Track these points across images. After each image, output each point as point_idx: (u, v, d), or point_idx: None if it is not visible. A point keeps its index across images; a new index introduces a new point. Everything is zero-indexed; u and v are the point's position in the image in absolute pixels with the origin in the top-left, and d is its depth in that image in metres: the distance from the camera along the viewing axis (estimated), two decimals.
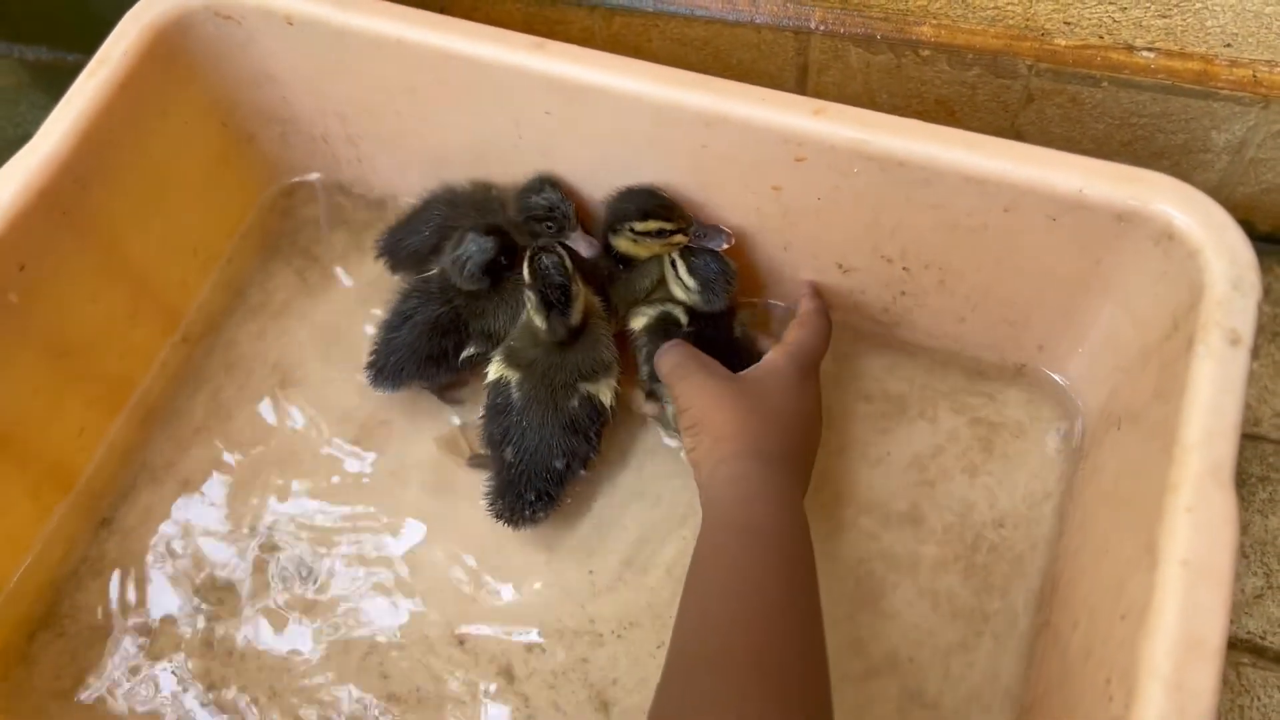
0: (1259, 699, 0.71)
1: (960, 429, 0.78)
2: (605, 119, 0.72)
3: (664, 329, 0.76)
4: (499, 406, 0.75)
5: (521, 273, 0.73)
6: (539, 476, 0.73)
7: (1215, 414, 0.55)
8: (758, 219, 0.74)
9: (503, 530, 0.76)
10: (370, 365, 0.79)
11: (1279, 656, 0.72)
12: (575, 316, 0.73)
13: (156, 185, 0.79)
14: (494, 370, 0.76)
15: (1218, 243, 0.60)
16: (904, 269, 0.74)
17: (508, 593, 0.75)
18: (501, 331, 0.78)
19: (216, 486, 0.80)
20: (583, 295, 0.73)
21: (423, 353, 0.77)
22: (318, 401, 0.83)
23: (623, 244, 0.76)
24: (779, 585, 0.58)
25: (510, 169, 0.79)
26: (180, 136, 0.80)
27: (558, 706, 0.71)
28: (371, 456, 0.80)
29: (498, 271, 0.76)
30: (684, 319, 0.76)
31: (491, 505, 0.75)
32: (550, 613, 0.74)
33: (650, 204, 0.74)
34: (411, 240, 0.81)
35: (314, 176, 0.92)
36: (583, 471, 0.75)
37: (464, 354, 0.78)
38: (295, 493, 0.79)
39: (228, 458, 0.81)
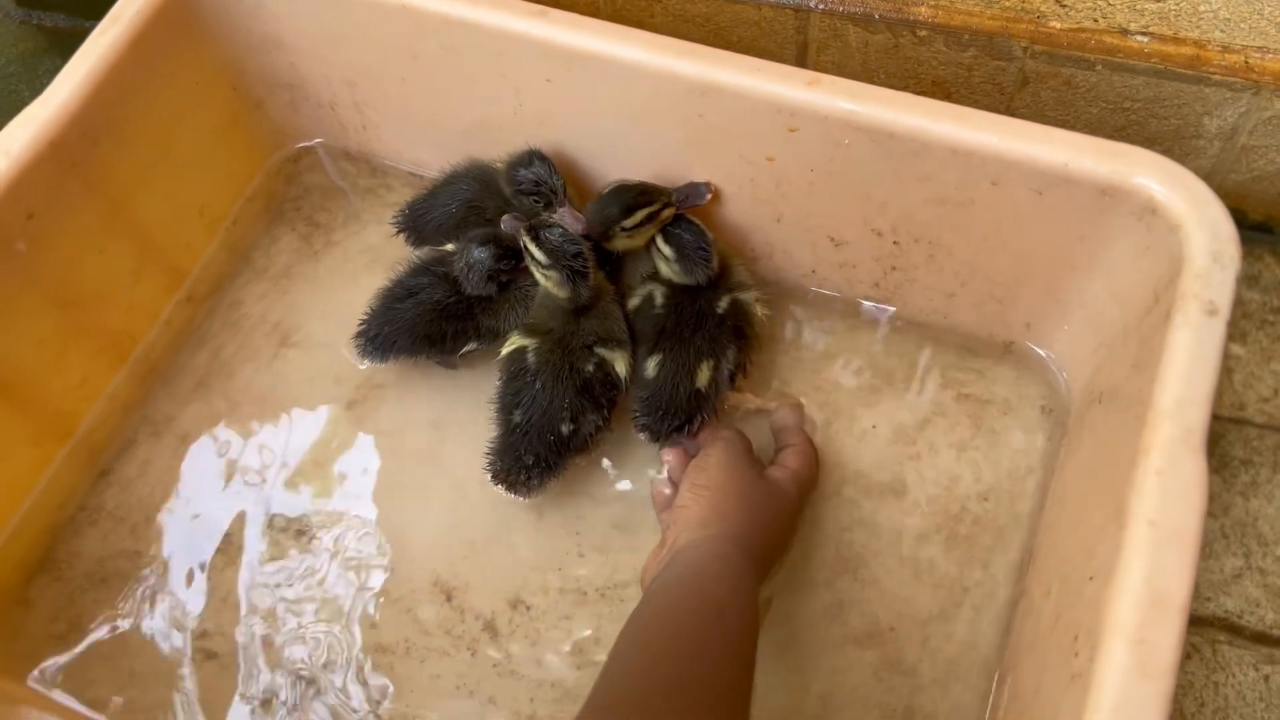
0: (1234, 676, 0.71)
1: (947, 404, 0.79)
2: (604, 87, 0.73)
3: (647, 309, 0.77)
4: (514, 373, 0.75)
5: (528, 265, 0.75)
6: (541, 441, 0.73)
7: (1189, 381, 0.56)
8: (752, 190, 0.76)
9: (493, 494, 0.77)
10: (362, 333, 0.79)
11: (1255, 635, 0.73)
12: (595, 276, 0.74)
13: (164, 145, 0.81)
14: (511, 342, 0.76)
15: (1199, 217, 0.61)
16: (894, 243, 0.75)
17: (496, 552, 0.76)
18: (507, 331, 0.78)
19: (215, 442, 0.82)
20: (593, 258, 0.75)
21: (420, 331, 0.78)
22: (317, 363, 0.84)
23: (620, 244, 0.77)
24: (732, 670, 0.58)
25: (511, 137, 0.80)
26: (189, 98, 0.81)
27: (539, 662, 0.72)
28: (366, 418, 0.82)
29: (503, 277, 0.77)
30: (660, 299, 0.77)
31: (490, 465, 0.75)
32: (536, 572, 0.75)
33: (628, 198, 0.75)
34: (436, 215, 0.82)
35: (319, 142, 0.94)
36: (590, 439, 0.76)
37: (465, 347, 0.79)
38: (291, 451, 0.81)
39: (227, 415, 0.83)
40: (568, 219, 0.77)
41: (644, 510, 0.77)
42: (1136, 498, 0.54)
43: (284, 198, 0.93)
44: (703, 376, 0.74)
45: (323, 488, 0.79)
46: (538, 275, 0.75)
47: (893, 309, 0.82)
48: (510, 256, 0.77)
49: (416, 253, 0.82)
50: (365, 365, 0.82)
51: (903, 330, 0.82)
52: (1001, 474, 0.77)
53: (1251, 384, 0.81)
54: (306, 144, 0.94)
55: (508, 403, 0.75)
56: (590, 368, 0.74)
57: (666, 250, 0.75)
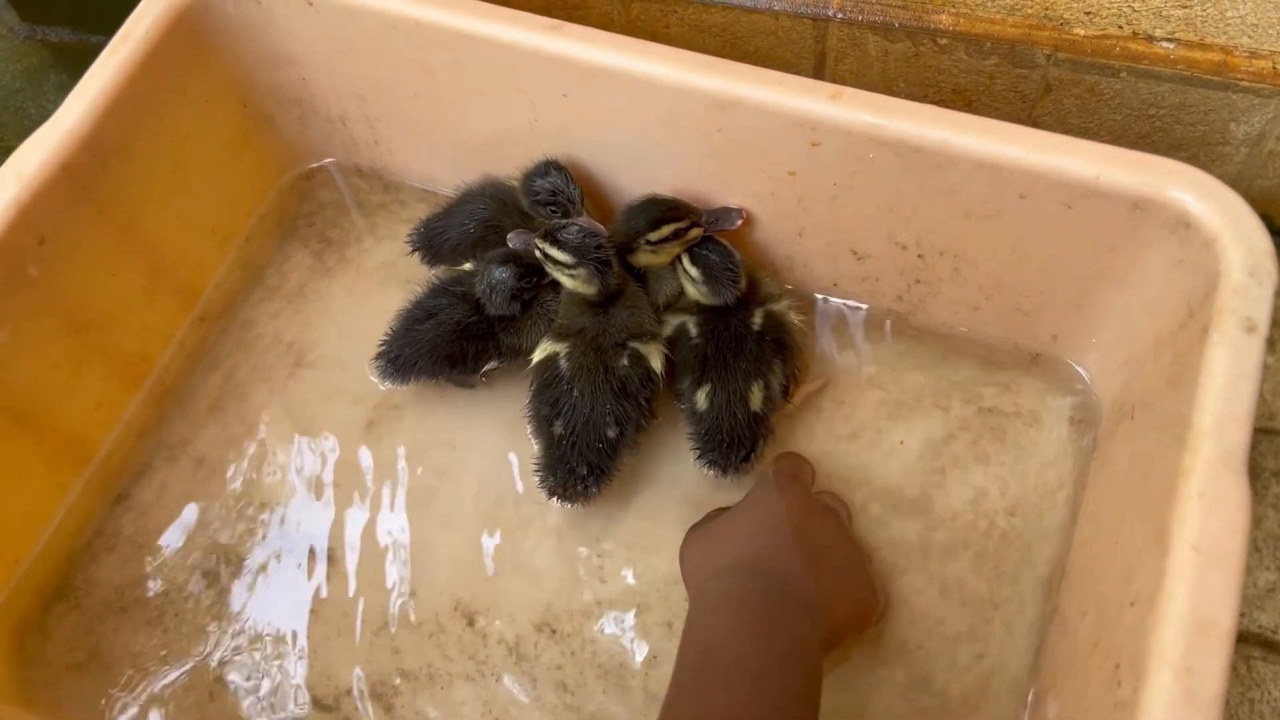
0: (1269, 693, 0.70)
1: (973, 417, 0.78)
2: (621, 102, 0.72)
3: (683, 341, 0.76)
4: (547, 381, 0.74)
5: (550, 276, 0.75)
6: (590, 449, 0.73)
7: (1229, 401, 0.55)
8: (773, 204, 0.74)
9: (511, 514, 0.76)
10: (382, 355, 0.78)
11: None
12: (616, 265, 0.74)
13: (175, 164, 0.80)
14: (541, 351, 0.75)
15: (1235, 231, 0.60)
16: (919, 256, 0.74)
17: (517, 574, 0.75)
18: (529, 348, 0.77)
19: (231, 465, 0.81)
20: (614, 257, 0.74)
21: (441, 352, 0.77)
22: (333, 384, 0.83)
23: (642, 258, 0.76)
24: (731, 701, 0.55)
25: (529, 152, 0.79)
26: (200, 116, 0.80)
27: (564, 686, 0.71)
28: (385, 439, 0.81)
29: (526, 295, 0.76)
30: (694, 329, 0.76)
31: (543, 482, 0.75)
32: (559, 595, 0.74)
33: (656, 211, 0.74)
34: (453, 235, 0.81)
35: (331, 159, 0.93)
36: (636, 438, 0.75)
37: (486, 366, 0.79)
38: (309, 473, 0.80)
39: (242, 437, 0.82)
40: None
41: (664, 527, 0.76)
42: (1178, 521, 0.53)
43: (296, 214, 0.92)
44: (756, 399, 0.73)
45: (341, 511, 0.78)
46: (563, 278, 0.74)
47: (916, 320, 0.80)
48: (532, 274, 0.76)
49: (434, 273, 0.81)
50: (386, 387, 0.81)
51: (927, 342, 0.81)
52: (1029, 488, 0.76)
53: None
54: (319, 162, 0.93)
55: (545, 414, 0.74)
56: (625, 364, 0.73)
57: (693, 271, 0.74)
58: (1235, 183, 0.81)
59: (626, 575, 0.74)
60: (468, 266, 0.79)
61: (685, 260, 0.74)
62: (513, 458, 0.79)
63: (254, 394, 0.83)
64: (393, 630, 0.74)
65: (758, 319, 0.75)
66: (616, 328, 0.74)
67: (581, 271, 0.73)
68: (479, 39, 0.72)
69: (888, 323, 0.81)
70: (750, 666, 0.56)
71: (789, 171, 0.71)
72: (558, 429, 0.73)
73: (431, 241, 0.82)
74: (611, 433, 0.73)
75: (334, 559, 0.76)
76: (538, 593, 0.74)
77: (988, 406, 0.78)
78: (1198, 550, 0.51)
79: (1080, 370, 0.77)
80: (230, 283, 0.88)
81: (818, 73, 0.85)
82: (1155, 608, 0.51)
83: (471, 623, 0.74)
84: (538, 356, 0.75)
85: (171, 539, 0.78)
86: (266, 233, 0.91)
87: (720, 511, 0.72)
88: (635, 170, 0.77)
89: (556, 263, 0.73)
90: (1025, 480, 0.76)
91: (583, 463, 0.73)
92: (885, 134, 0.66)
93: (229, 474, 0.80)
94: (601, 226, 0.76)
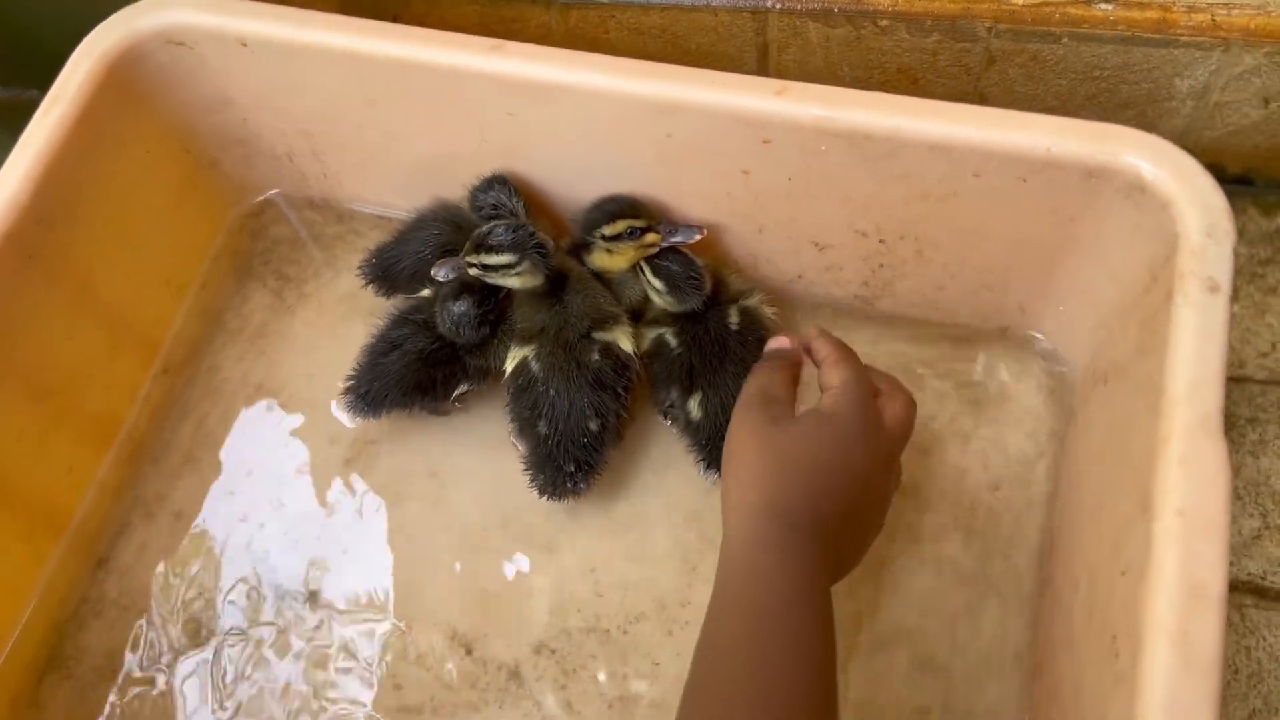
0: (1264, 639, 0.71)
1: (948, 396, 0.79)
2: (567, 116, 0.71)
3: (665, 354, 0.76)
4: (523, 385, 0.74)
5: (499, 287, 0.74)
6: (576, 444, 0.73)
7: (1199, 364, 0.56)
8: (729, 205, 0.74)
9: (500, 536, 0.76)
10: (350, 390, 0.77)
11: None
12: (551, 248, 0.74)
13: (122, 218, 0.78)
14: (511, 358, 0.75)
15: (1189, 192, 0.60)
16: (880, 242, 0.74)
17: (511, 598, 0.75)
18: (498, 366, 0.77)
19: (209, 516, 0.79)
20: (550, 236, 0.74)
21: (410, 382, 0.76)
22: (306, 424, 0.82)
23: (599, 259, 0.76)
24: (784, 676, 0.52)
25: (479, 172, 0.79)
26: (141, 167, 0.79)
27: (570, 706, 0.71)
28: (365, 475, 0.80)
29: (492, 316, 0.76)
30: (673, 340, 0.76)
31: (533, 481, 0.74)
32: (555, 615, 0.74)
33: (614, 206, 0.74)
34: (408, 262, 0.80)
35: (280, 193, 0.91)
36: (619, 428, 0.75)
37: (457, 390, 0.78)
38: (291, 516, 0.79)
39: (219, 486, 0.81)
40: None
41: (657, 537, 0.76)
42: (1161, 489, 0.53)
43: (251, 254, 0.90)
44: None
45: (327, 551, 0.77)
46: (509, 281, 0.74)
47: (883, 306, 0.80)
48: (489, 295, 0.75)
49: (392, 302, 0.80)
50: (357, 423, 0.81)
51: (896, 325, 0.81)
52: (1011, 461, 0.76)
53: (1249, 340, 0.81)
54: (266, 197, 0.91)
55: (527, 417, 0.74)
56: (596, 357, 0.73)
57: (656, 283, 0.74)
58: (1184, 136, 0.82)
59: (622, 589, 0.74)
60: (426, 293, 0.78)
61: (647, 272, 0.74)
62: (496, 481, 0.78)
63: (227, 441, 0.82)
64: (391, 665, 0.73)
65: (734, 318, 0.75)
66: (577, 318, 0.74)
67: (525, 264, 0.73)
68: (419, 66, 0.71)
69: (854, 310, 0.81)
70: (791, 647, 0.53)
71: (743, 170, 0.71)
72: (542, 429, 0.73)
73: (386, 271, 0.81)
74: (594, 425, 0.73)
75: (325, 601, 0.76)
76: (534, 614, 0.74)
77: (962, 383, 0.79)
78: (1183, 516, 0.52)
79: (1049, 341, 0.78)
80: (191, 331, 0.87)
81: (761, 65, 0.84)
82: (1145, 577, 0.52)
83: (470, 651, 0.73)
84: (510, 365, 0.75)
85: (158, 598, 0.77)
86: (222, 276, 0.89)
87: (790, 386, 0.63)
88: (588, 183, 0.76)
89: (497, 268, 0.73)
90: (1006, 453, 0.76)
91: (569, 460, 0.73)
92: (835, 125, 0.65)
93: (209, 526, 0.79)
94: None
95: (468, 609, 0.74)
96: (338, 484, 0.80)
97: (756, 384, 0.63)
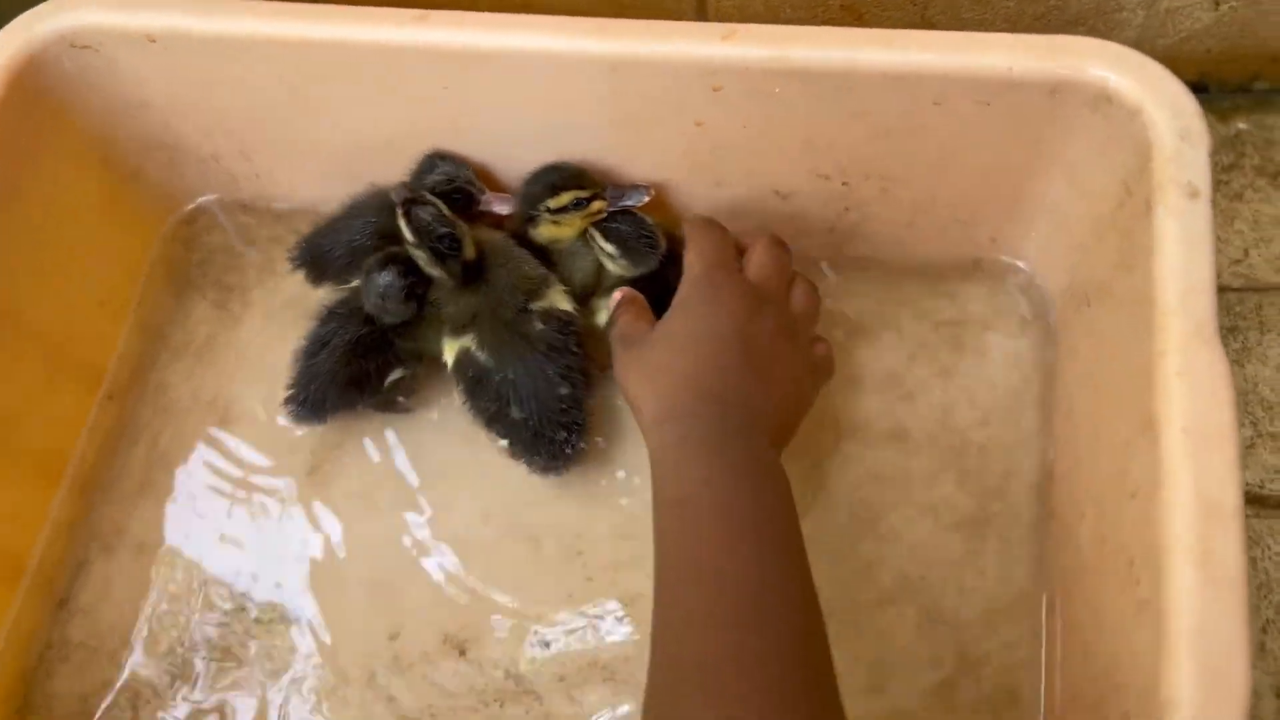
0: (1269, 548, 0.70)
1: (927, 335, 0.76)
2: (507, 84, 0.68)
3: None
4: (475, 378, 0.71)
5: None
6: (556, 414, 0.70)
7: (1188, 272, 0.54)
8: (686, 160, 0.71)
9: (483, 532, 0.73)
10: (290, 399, 0.74)
11: None
12: (469, 251, 0.71)
13: (45, 241, 0.73)
14: (449, 350, 0.72)
15: (1157, 97, 0.58)
16: (844, 184, 0.71)
17: (500, 594, 0.72)
18: (430, 348, 0.74)
19: (172, 543, 0.75)
20: (468, 233, 0.71)
21: (343, 378, 0.73)
22: (263, 435, 0.78)
23: (545, 231, 0.73)
24: (718, 555, 0.52)
25: (418, 153, 0.75)
26: (60, 185, 0.74)
27: (571, 697, 0.68)
28: (332, 483, 0.76)
29: (420, 290, 0.72)
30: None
31: (530, 464, 0.72)
32: (547, 606, 0.71)
33: (557, 177, 0.71)
34: (341, 252, 0.76)
35: (212, 199, 0.87)
36: (589, 379, 0.72)
37: (391, 377, 0.74)
38: (261, 534, 0.75)
39: (178, 510, 0.76)
40: (497, 204, 0.74)
41: (643, 515, 0.72)
42: (1163, 406, 0.51)
43: (188, 265, 0.86)
44: None
45: (301, 566, 0.74)
46: (413, 253, 0.71)
47: (852, 249, 0.78)
48: (416, 266, 0.72)
49: (321, 299, 0.76)
50: (304, 430, 0.77)
51: (868, 269, 0.79)
52: (997, 394, 0.74)
53: (1221, 249, 0.79)
54: (197, 203, 0.87)
55: (495, 409, 0.71)
56: (540, 327, 0.70)
57: (609, 248, 0.71)
58: (1137, 46, 0.79)
59: (610, 570, 0.72)
60: (356, 283, 0.75)
61: (599, 238, 0.71)
62: (470, 475, 0.75)
63: (184, 463, 0.78)
64: (384, 677, 0.70)
65: None
66: (509, 294, 0.71)
67: (421, 255, 0.70)
68: (341, 45, 0.67)
69: (823, 257, 0.79)
70: (730, 517, 0.54)
71: (696, 123, 0.68)
72: (516, 414, 0.70)
73: (318, 258, 0.77)
74: (565, 390, 0.70)
75: (306, 618, 0.72)
76: (525, 607, 0.71)
77: (940, 320, 0.77)
78: (1189, 432, 0.50)
79: (1024, 266, 0.76)
80: (133, 351, 0.82)
81: (700, 12, 0.81)
82: (1158, 498, 0.50)
83: (463, 653, 0.70)
84: (450, 357, 0.72)
85: (126, 634, 0.73)
86: (159, 290, 0.85)
87: (639, 314, 0.68)
88: (536, 152, 0.72)
89: (404, 237, 0.70)
90: (992, 386, 0.74)
91: (558, 428, 0.70)
92: (787, 65, 0.62)
93: (173, 553, 0.75)
94: (512, 203, 0.74)
95: (457, 610, 0.71)
96: (305, 494, 0.76)
97: (613, 337, 0.68)
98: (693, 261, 0.65)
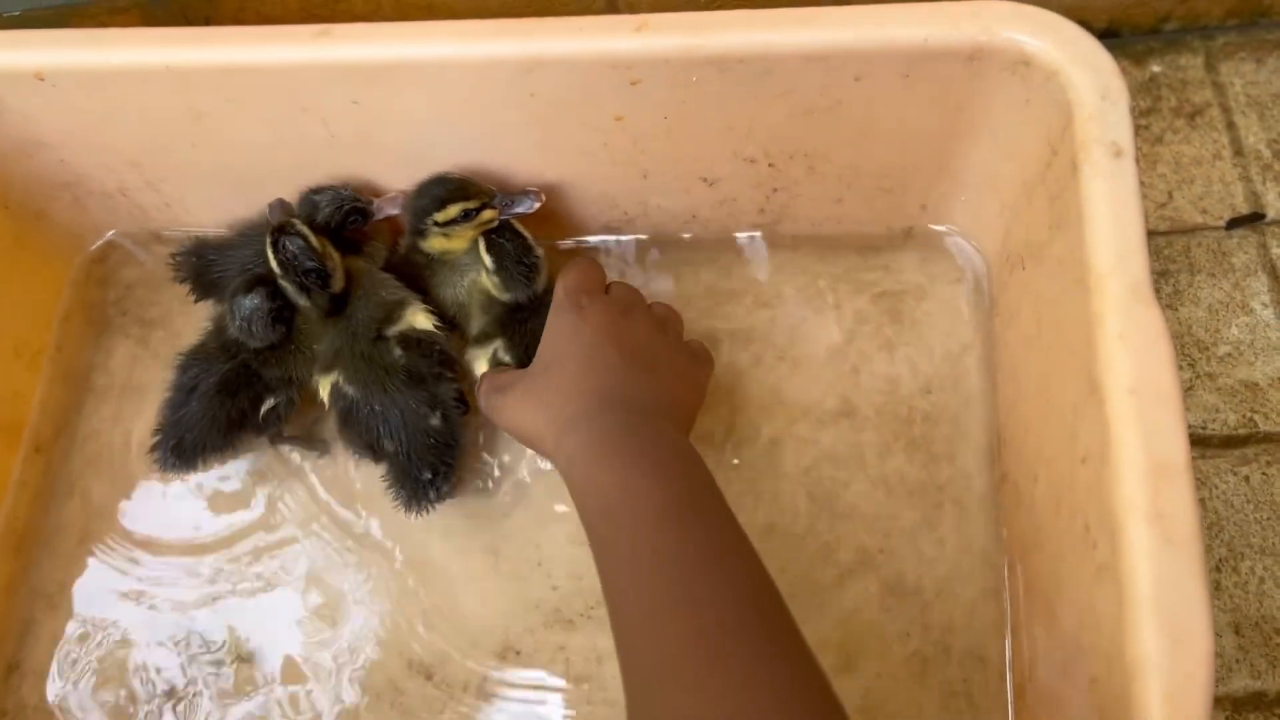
0: (1216, 488, 0.71)
1: (865, 308, 0.76)
2: (418, 93, 0.66)
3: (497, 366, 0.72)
4: (345, 412, 0.70)
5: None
6: (425, 448, 0.68)
7: (1119, 232, 0.54)
8: (608, 154, 0.70)
9: (440, 547, 0.72)
10: (159, 447, 0.71)
11: (1224, 441, 0.73)
12: (338, 284, 0.70)
13: None
14: (322, 387, 0.71)
15: (1074, 57, 0.58)
16: (770, 166, 0.70)
17: (463, 611, 0.71)
18: (301, 374, 0.72)
19: (119, 593, 0.73)
20: (338, 263, 0.70)
21: (220, 419, 0.70)
22: (202, 474, 0.76)
23: (436, 243, 0.71)
24: (650, 545, 0.52)
25: (333, 169, 0.73)
26: None
27: (544, 701, 0.67)
28: (278, 514, 0.74)
29: (287, 313, 0.71)
30: (507, 356, 0.70)
31: (397, 499, 0.70)
32: (514, 617, 0.70)
33: (443, 190, 0.69)
34: (233, 273, 0.73)
35: (122, 234, 0.83)
36: (462, 406, 0.71)
37: (265, 407, 0.72)
38: (205, 573, 0.73)
39: (123, 560, 0.74)
40: (389, 207, 0.73)
41: None
42: (1106, 369, 0.51)
43: (104, 304, 0.83)
44: None
45: (257, 602, 0.72)
46: (280, 284, 0.70)
47: (783, 229, 0.77)
48: (280, 290, 0.71)
49: (178, 352, 0.74)
50: (184, 479, 0.75)
51: (800, 248, 0.78)
52: (938, 361, 0.74)
53: (1145, 194, 0.80)
54: (107, 239, 0.83)
55: (369, 441, 0.69)
56: (398, 353, 0.69)
57: (487, 259, 0.70)
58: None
59: (575, 576, 0.71)
60: (209, 331, 0.74)
61: (481, 246, 0.70)
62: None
63: (122, 511, 0.76)
64: (350, 708, 0.68)
65: None
66: (364, 325, 0.70)
67: (288, 286, 0.69)
68: (241, 68, 0.64)
69: (758, 237, 0.78)
70: (654, 506, 0.53)
71: (615, 117, 0.66)
72: (388, 446, 0.69)
73: (202, 273, 0.75)
74: (435, 421, 0.69)
75: (267, 657, 0.70)
76: (490, 623, 0.70)
77: (877, 292, 0.77)
78: (1134, 393, 0.50)
79: (957, 233, 0.76)
80: (56, 401, 0.79)
81: (610, 5, 0.79)
82: (1108, 461, 0.50)
83: (430, 676, 0.69)
84: (323, 393, 0.71)
85: (82, 695, 0.70)
86: (78, 334, 0.82)
87: (504, 368, 0.69)
88: (454, 159, 0.71)
89: (271, 267, 0.68)
90: (932, 354, 0.75)
91: (425, 467, 0.69)
92: (704, 52, 0.61)
93: (122, 604, 0.73)
94: (398, 198, 0.73)
95: (418, 631, 0.70)
96: (254, 528, 0.74)
97: (484, 395, 0.68)
98: (557, 289, 0.67)
